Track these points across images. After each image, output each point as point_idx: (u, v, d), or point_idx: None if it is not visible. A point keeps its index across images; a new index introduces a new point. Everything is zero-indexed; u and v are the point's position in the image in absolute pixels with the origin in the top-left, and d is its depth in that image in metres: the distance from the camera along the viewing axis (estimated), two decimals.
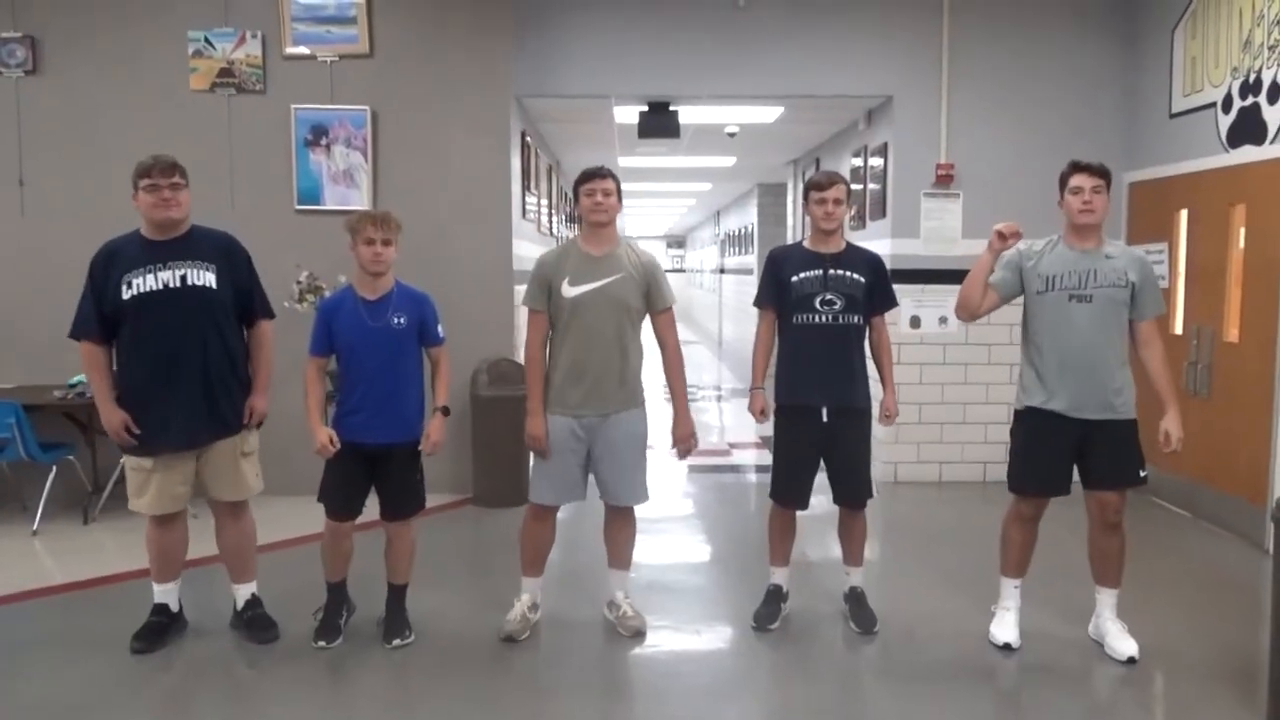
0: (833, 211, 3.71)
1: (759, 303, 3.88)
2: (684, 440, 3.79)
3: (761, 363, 3.88)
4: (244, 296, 3.66)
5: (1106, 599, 3.66)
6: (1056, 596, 4.08)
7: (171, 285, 3.47)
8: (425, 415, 3.73)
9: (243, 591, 3.81)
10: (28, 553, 4.99)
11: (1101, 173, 3.51)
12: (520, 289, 6.22)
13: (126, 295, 3.44)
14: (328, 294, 5.55)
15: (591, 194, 3.63)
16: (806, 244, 3.84)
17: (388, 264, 3.58)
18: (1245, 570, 4.73)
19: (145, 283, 3.45)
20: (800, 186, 10.15)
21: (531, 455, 3.78)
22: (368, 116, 5.88)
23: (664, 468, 7.16)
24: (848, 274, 3.71)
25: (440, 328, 3.71)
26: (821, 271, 3.70)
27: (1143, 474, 3.55)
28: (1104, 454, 3.51)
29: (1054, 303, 3.48)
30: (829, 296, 3.68)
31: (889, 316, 3.92)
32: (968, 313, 3.68)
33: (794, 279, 3.71)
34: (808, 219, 3.86)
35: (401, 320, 3.58)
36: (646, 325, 3.79)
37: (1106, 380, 3.46)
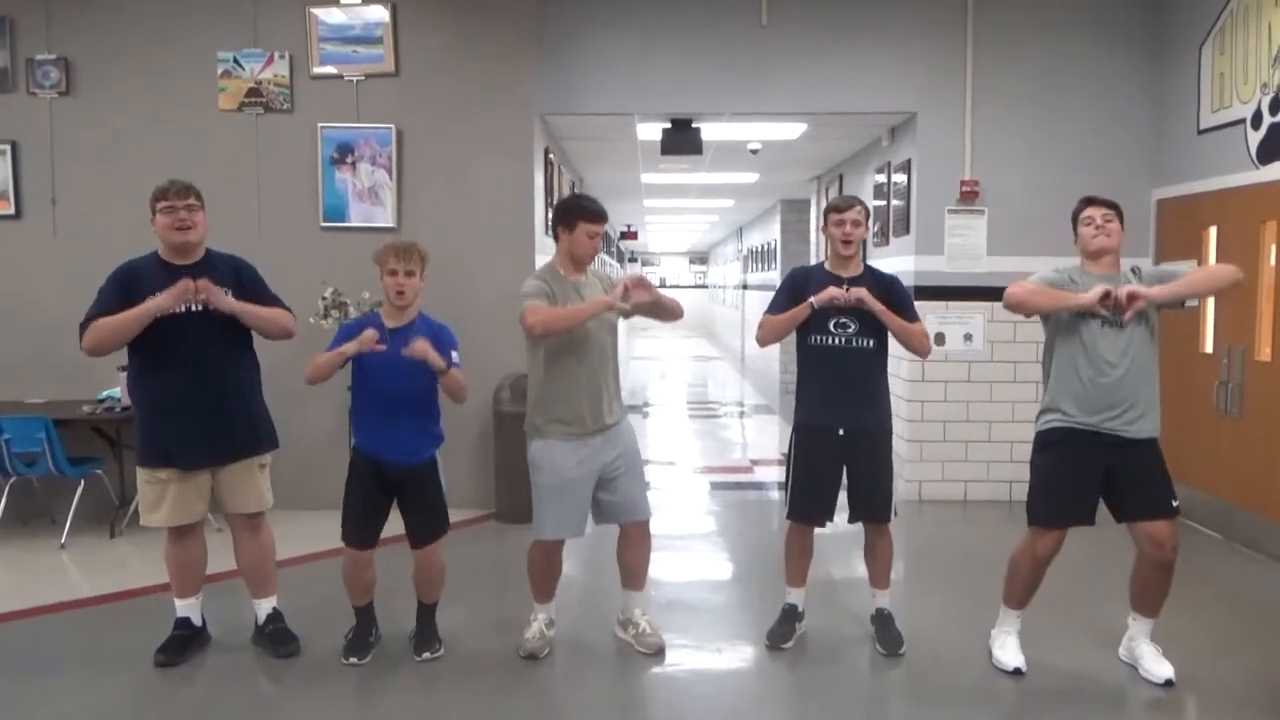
0: (851, 234, 3.71)
1: (772, 311, 3.83)
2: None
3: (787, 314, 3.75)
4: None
5: (1142, 626, 3.59)
6: (1086, 619, 4.02)
7: (194, 309, 3.52)
8: (441, 437, 3.74)
9: (264, 606, 3.83)
10: (56, 566, 5.04)
11: (1111, 205, 3.53)
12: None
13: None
14: (352, 310, 5.61)
15: (594, 236, 3.66)
16: (826, 266, 3.85)
17: (412, 296, 3.60)
18: None
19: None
20: (823, 203, 10.14)
21: (535, 489, 3.72)
22: (393, 135, 5.94)
23: (686, 485, 7.14)
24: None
25: (456, 355, 3.67)
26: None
27: (1175, 504, 3.49)
28: (1135, 478, 3.43)
29: (1090, 327, 3.42)
30: (843, 320, 3.67)
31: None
32: (1021, 312, 3.59)
33: (813, 299, 3.70)
34: (827, 241, 3.86)
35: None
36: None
37: (1134, 403, 3.40)
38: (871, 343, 3.71)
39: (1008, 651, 3.61)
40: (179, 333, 3.50)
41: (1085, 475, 3.45)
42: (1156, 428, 3.47)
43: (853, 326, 3.68)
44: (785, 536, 3.93)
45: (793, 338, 3.84)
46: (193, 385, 3.53)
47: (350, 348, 3.47)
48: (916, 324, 3.77)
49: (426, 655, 3.71)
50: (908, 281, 6.40)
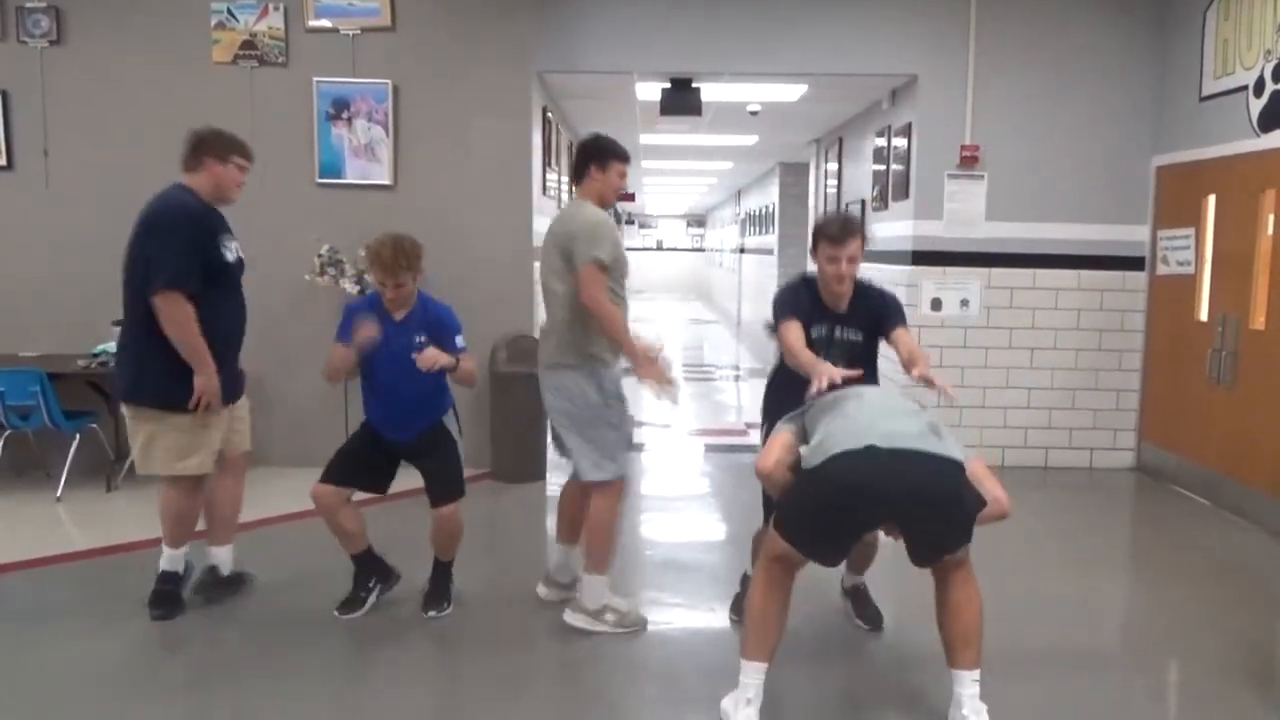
0: (845, 273, 3.33)
1: (781, 316, 3.39)
2: None
3: (807, 355, 3.27)
4: None
5: (961, 681, 2.89)
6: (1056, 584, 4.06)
7: (240, 254, 3.72)
8: (446, 407, 3.75)
9: (225, 553, 3.90)
10: (51, 519, 5.06)
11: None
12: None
13: (230, 257, 3.61)
14: (348, 268, 5.59)
15: (624, 176, 3.63)
16: (819, 292, 3.46)
17: (405, 300, 3.60)
18: (1266, 563, 4.69)
19: (234, 249, 3.66)
20: (823, 166, 10.07)
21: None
22: (389, 90, 5.87)
23: (681, 447, 7.18)
24: (850, 336, 3.44)
25: (460, 339, 3.67)
26: (828, 330, 3.43)
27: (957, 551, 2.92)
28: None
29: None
30: (831, 356, 3.31)
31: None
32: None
33: (809, 327, 3.41)
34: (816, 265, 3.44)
35: (422, 339, 3.57)
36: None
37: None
38: (860, 335, 3.45)
39: None
40: (235, 276, 3.67)
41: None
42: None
43: (840, 364, 3.19)
44: (754, 533, 3.83)
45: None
46: (237, 326, 3.71)
47: (353, 350, 3.52)
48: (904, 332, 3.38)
49: (433, 613, 3.75)
50: (905, 246, 6.42)
